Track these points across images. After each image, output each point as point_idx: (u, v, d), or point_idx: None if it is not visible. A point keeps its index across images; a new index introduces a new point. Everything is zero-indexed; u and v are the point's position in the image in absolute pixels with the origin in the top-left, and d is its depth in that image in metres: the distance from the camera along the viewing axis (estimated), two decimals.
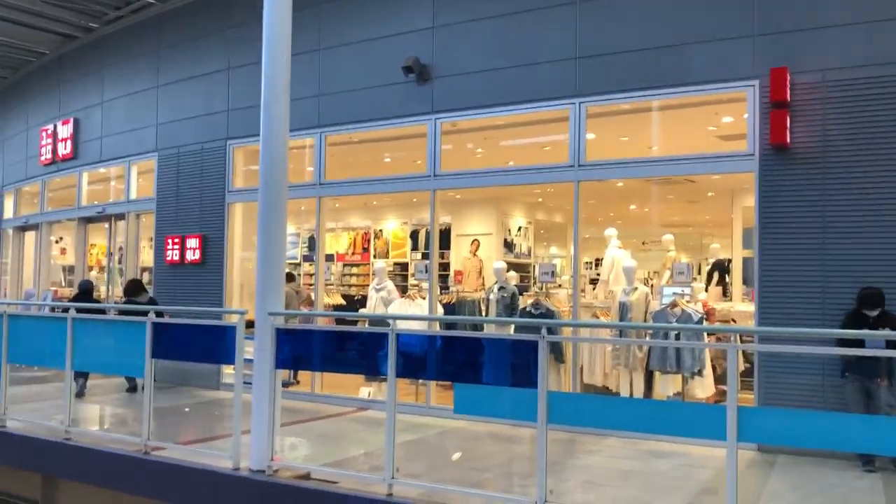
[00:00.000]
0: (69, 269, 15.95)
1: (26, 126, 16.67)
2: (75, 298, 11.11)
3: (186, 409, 9.71)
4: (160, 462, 6.51)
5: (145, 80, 13.02)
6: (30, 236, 16.69)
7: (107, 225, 14.54)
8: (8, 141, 17.76)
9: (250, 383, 6.25)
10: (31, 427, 7.70)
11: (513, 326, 8.93)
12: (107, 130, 13.83)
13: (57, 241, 16.44)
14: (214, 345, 6.84)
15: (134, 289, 10.69)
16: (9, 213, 17.37)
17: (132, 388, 10.64)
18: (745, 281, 11.60)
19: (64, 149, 14.72)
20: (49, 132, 15.23)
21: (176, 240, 11.99)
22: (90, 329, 7.59)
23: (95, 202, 14.45)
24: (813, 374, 7.12)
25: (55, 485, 7.62)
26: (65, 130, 14.74)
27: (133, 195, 13.28)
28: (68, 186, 15.00)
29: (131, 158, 13.21)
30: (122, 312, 9.23)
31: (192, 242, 11.79)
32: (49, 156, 15.20)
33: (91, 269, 15.63)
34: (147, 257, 14.27)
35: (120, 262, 15.36)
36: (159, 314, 7.07)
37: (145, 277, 14.17)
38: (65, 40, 14.98)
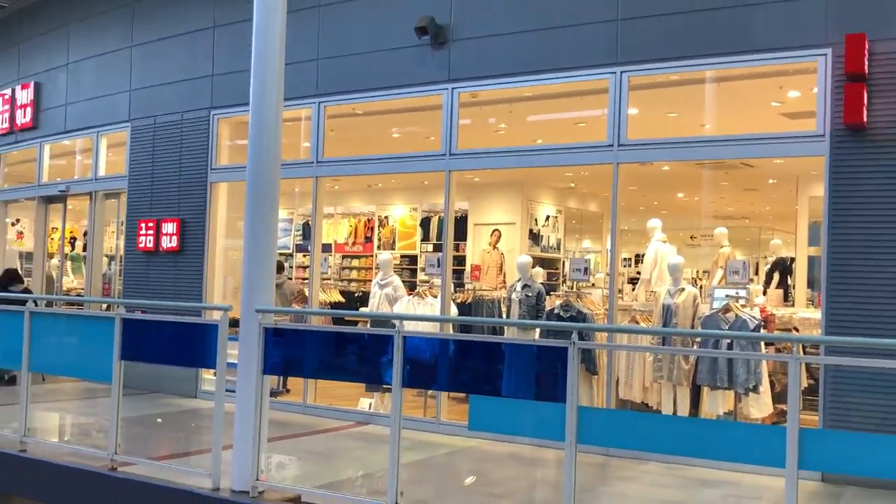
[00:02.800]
0: (27, 256, 16.07)
1: None
2: None
3: (159, 420, 9.80)
4: (129, 480, 6.57)
5: (118, 38, 13.08)
6: None
7: (71, 206, 14.64)
8: None
9: (233, 391, 6.29)
10: None
11: (538, 331, 8.94)
12: (72, 96, 13.92)
13: (13, 224, 16.58)
14: (193, 346, 6.89)
15: (8, 279, 11.76)
16: None
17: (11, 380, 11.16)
18: (811, 283, 11.54)
19: (23, 117, 14.82)
20: (6, 97, 15.34)
21: (150, 224, 12.06)
22: (51, 325, 7.66)
23: (58, 179, 14.55)
24: (889, 392, 7.07)
25: (8, 502, 7.70)
26: (24, 96, 14.83)
27: (101, 172, 13.36)
28: (27, 160, 15.12)
29: (100, 129, 13.29)
30: None
31: (169, 227, 11.86)
32: (6, 125, 15.31)
33: (52, 255, 15.75)
34: (116, 243, 14.37)
35: (85, 250, 15.49)
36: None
37: (113, 267, 14.29)
38: None
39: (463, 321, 9.79)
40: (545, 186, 14.88)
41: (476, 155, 9.62)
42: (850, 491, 6.91)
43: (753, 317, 8.37)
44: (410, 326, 6.86)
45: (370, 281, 12.52)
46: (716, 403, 8.44)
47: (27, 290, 11.97)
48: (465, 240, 14.21)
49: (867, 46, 7.28)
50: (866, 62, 7.28)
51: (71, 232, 18.02)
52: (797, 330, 9.32)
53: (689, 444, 5.37)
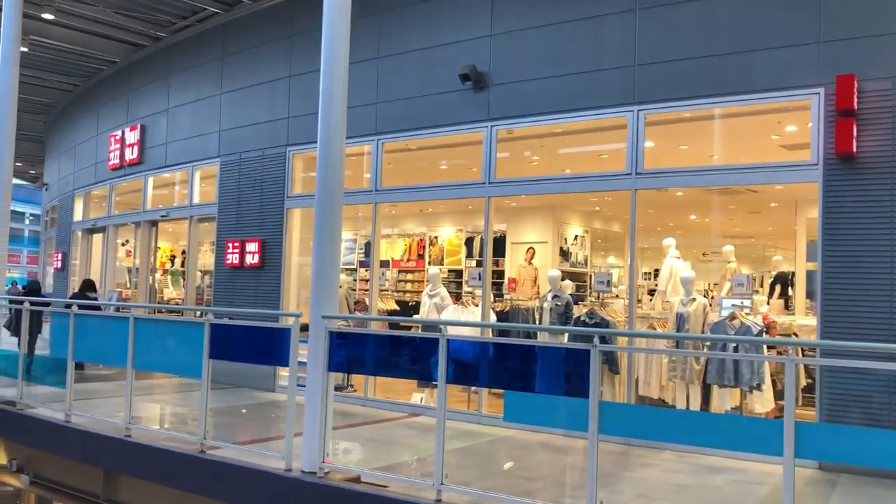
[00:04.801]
0: (135, 271, 16.44)
1: (96, 132, 17.27)
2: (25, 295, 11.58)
3: (243, 411, 9.90)
4: (215, 461, 6.65)
5: (209, 87, 13.36)
6: (97, 238, 17.27)
7: (171, 228, 14.94)
8: (79, 146, 18.42)
9: (304, 386, 6.34)
10: (94, 423, 7.95)
11: (566, 335, 8.87)
12: (172, 136, 14.23)
13: (123, 244, 16.97)
14: (270, 347, 6.97)
15: (86, 287, 12.79)
16: (78, 215, 18.01)
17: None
18: (810, 294, 11.29)
19: (131, 154, 15.19)
20: (117, 138, 15.74)
21: (236, 244, 12.25)
22: (151, 329, 7.81)
23: (160, 206, 14.88)
24: (879, 390, 6.87)
25: (116, 480, 7.84)
26: (132, 136, 15.21)
27: (196, 200, 13.61)
28: (134, 191, 15.47)
29: (195, 164, 13.56)
30: (69, 305, 9.75)
31: (252, 247, 12.03)
32: (117, 161, 15.71)
33: (155, 271, 16.08)
34: (208, 260, 14.63)
35: (183, 266, 15.79)
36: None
37: (206, 280, 14.55)
38: (134, 49, 15.49)
39: (500, 327, 9.74)
40: (573, 210, 14.78)
41: (512, 183, 9.60)
42: (844, 478, 6.72)
43: (757, 323, 8.22)
44: (455, 331, 6.87)
45: (422, 292, 12.55)
46: (724, 400, 8.29)
47: (97, 297, 13.22)
48: (503, 256, 14.16)
49: (856, 85, 7.14)
50: (855, 99, 7.14)
51: (171, 251, 18.43)
52: (797, 335, 9.12)
53: (699, 434, 5.30)
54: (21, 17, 10.47)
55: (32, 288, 12.64)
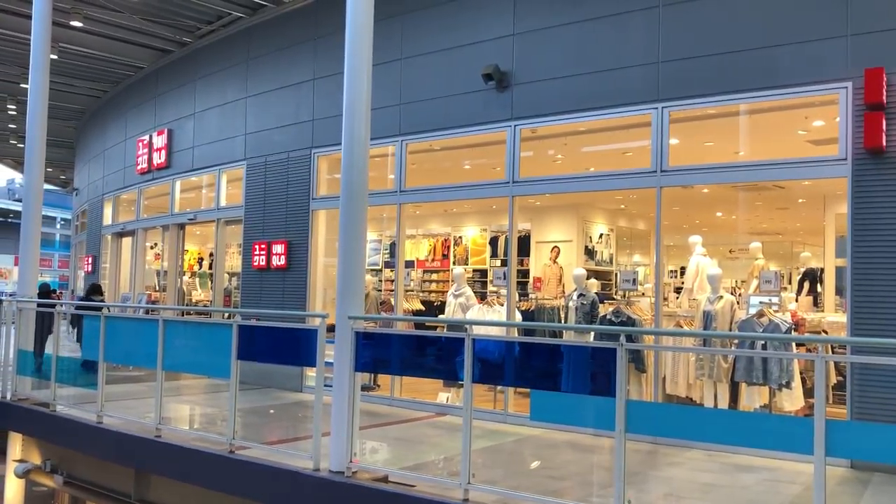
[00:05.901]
0: (163, 274, 16.63)
1: (124, 137, 17.48)
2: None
3: (271, 411, 9.96)
4: (244, 461, 6.69)
5: (235, 91, 13.47)
6: (126, 242, 17.49)
7: (199, 231, 15.08)
8: (108, 151, 18.66)
9: (331, 386, 6.36)
10: (125, 424, 8.05)
11: (592, 334, 8.82)
12: (198, 140, 14.37)
13: (152, 247, 17.17)
14: (297, 348, 7.00)
15: (93, 291, 13.29)
16: (108, 219, 18.25)
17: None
18: (839, 291, 11.12)
19: (159, 158, 15.36)
20: (145, 142, 15.92)
21: (262, 246, 12.33)
22: (180, 331, 7.89)
23: (188, 209, 15.03)
24: None
25: (147, 479, 7.93)
26: (159, 141, 15.38)
27: (223, 202, 13.73)
28: (162, 194, 15.65)
29: (221, 167, 13.68)
30: (78, 307, 10.17)
31: (278, 248, 12.11)
32: (145, 165, 15.89)
33: (184, 273, 16.24)
34: (235, 262, 14.75)
35: (210, 268, 15.93)
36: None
37: (234, 282, 14.67)
38: (161, 54, 15.67)
39: (525, 326, 9.72)
40: (598, 208, 14.70)
41: (536, 182, 9.57)
42: (877, 477, 6.62)
43: (785, 321, 8.12)
44: (480, 331, 6.85)
45: (447, 292, 12.54)
46: (752, 398, 8.20)
47: (103, 300, 13.70)
48: (528, 255, 14.11)
49: (885, 79, 7.03)
50: (884, 92, 7.03)
51: (199, 253, 18.60)
52: (826, 332, 9.00)
53: (728, 433, 5.24)
54: (50, 24, 10.61)
55: (41, 290, 12.84)
